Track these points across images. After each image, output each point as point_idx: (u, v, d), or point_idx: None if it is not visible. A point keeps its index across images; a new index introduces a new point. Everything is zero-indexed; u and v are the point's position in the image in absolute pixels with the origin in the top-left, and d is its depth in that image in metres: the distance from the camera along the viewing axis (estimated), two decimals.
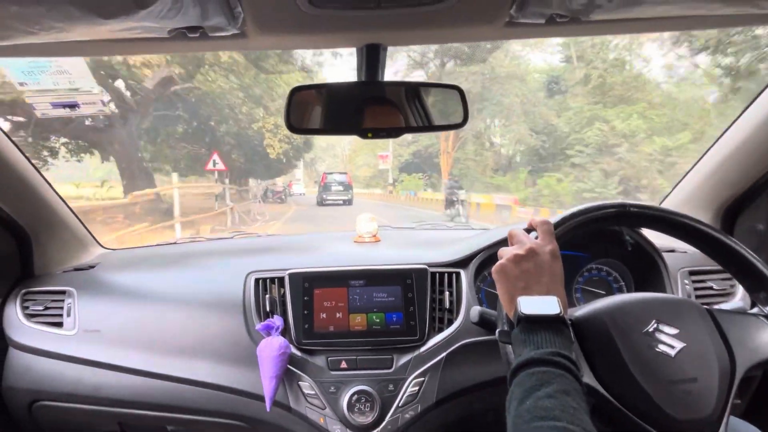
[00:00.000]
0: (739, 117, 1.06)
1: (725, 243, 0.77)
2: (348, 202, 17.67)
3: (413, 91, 0.89)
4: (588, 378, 0.64)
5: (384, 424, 1.00)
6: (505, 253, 0.69)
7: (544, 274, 0.65)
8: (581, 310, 0.72)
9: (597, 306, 0.71)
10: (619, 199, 0.80)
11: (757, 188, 1.10)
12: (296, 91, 0.84)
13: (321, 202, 17.73)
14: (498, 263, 0.69)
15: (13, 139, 1.04)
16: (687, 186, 1.23)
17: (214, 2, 0.59)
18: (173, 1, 0.55)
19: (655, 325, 0.68)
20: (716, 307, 0.84)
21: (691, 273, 1.14)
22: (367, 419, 0.99)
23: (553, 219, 0.77)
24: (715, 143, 1.13)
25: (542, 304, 0.61)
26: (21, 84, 1.00)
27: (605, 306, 0.71)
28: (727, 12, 0.66)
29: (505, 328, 0.67)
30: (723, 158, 1.11)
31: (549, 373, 0.54)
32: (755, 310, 0.76)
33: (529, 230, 0.75)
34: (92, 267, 1.26)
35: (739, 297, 1.13)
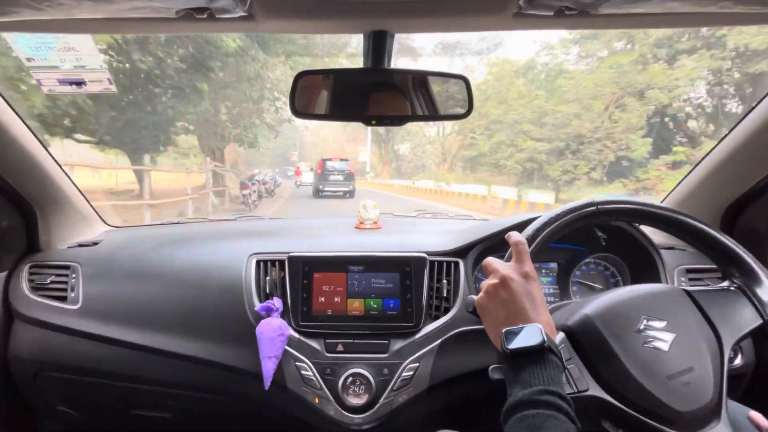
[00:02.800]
0: (744, 117, 1.05)
1: (690, 223, 0.79)
2: (349, 195, 15.37)
3: (419, 79, 0.89)
4: (593, 389, 0.65)
5: (377, 406, 1.02)
6: (483, 285, 0.68)
7: (523, 301, 0.64)
8: (573, 318, 0.72)
9: (586, 311, 0.71)
10: (587, 199, 0.80)
11: (759, 189, 1.10)
12: (302, 76, 0.84)
13: (318, 193, 15.48)
14: (477, 297, 0.69)
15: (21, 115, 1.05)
16: (689, 185, 1.23)
17: None
18: None
19: (645, 321, 0.69)
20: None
21: (688, 271, 1.15)
22: (361, 401, 1.02)
23: (526, 232, 0.76)
24: (719, 143, 1.12)
25: (525, 336, 0.60)
26: (28, 59, 0.99)
27: (594, 309, 0.71)
28: (738, 10, 0.65)
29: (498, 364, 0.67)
30: (726, 158, 1.11)
31: (538, 416, 0.53)
32: (726, 283, 0.77)
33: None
34: (96, 244, 1.27)
35: None
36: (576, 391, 0.65)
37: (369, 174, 31.30)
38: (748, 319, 0.71)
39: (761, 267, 0.75)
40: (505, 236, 0.73)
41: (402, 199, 16.33)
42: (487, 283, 0.68)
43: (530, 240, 0.75)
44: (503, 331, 0.62)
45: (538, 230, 0.77)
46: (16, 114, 1.03)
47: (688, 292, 0.74)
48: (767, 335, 0.71)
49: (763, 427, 0.71)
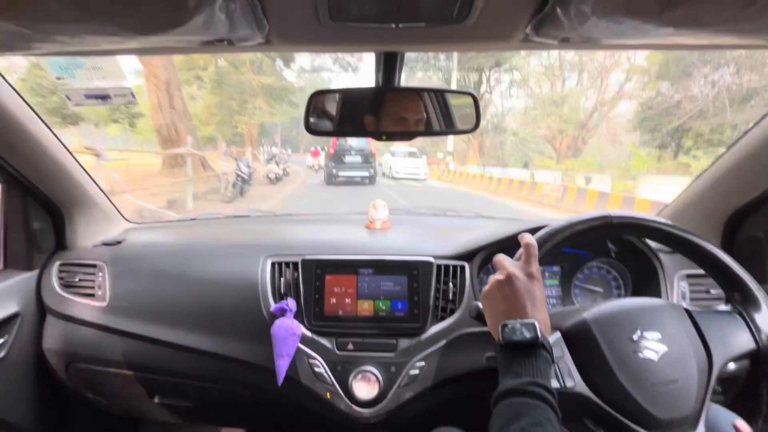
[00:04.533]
0: (750, 130, 1.06)
1: (701, 245, 0.81)
2: (369, 180, 12.89)
3: (428, 96, 0.92)
4: (580, 387, 0.70)
5: (385, 401, 1.08)
6: (490, 280, 0.73)
7: (524, 298, 0.68)
8: (571, 320, 0.76)
9: (585, 315, 0.75)
10: (602, 212, 0.83)
11: (761, 200, 1.12)
12: (316, 96, 0.88)
13: (331, 180, 12.74)
14: (483, 290, 0.74)
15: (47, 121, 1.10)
16: (692, 194, 1.25)
17: (242, 18, 0.63)
18: (205, 19, 0.59)
19: (640, 333, 0.73)
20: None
21: (689, 276, 1.18)
22: (370, 396, 1.08)
23: (538, 235, 0.80)
24: (723, 155, 1.14)
25: (521, 330, 0.65)
26: (58, 78, 1.05)
27: (593, 315, 0.75)
28: (737, 42, 0.67)
29: (493, 354, 0.72)
30: (730, 169, 1.12)
31: (525, 404, 0.58)
32: (728, 307, 0.80)
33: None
34: (119, 243, 1.34)
35: None
36: (563, 386, 0.69)
37: (449, 156, 19.91)
38: (742, 343, 0.74)
39: (764, 295, 0.77)
40: (518, 236, 0.77)
41: None
42: (494, 278, 0.72)
43: (541, 243, 0.79)
44: (501, 323, 0.67)
45: (550, 236, 0.81)
46: (42, 121, 1.09)
47: (688, 311, 0.77)
48: (759, 360, 0.74)
49: None
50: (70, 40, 0.63)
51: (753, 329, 0.75)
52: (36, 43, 0.65)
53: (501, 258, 0.75)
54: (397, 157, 17.36)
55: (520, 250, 0.75)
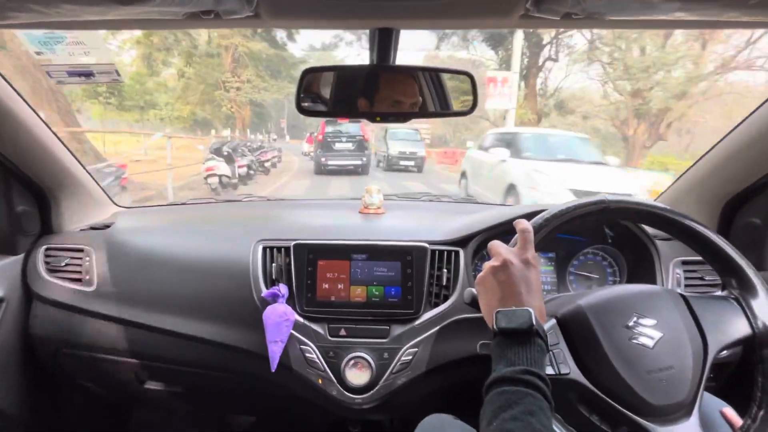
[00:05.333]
0: (750, 115, 1.05)
1: (698, 230, 0.80)
2: (362, 170, 11.74)
3: (424, 75, 0.89)
4: (574, 374, 0.69)
5: (377, 387, 1.08)
6: (485, 266, 0.71)
7: (520, 285, 0.66)
8: (566, 307, 0.75)
9: (581, 302, 0.74)
10: (599, 196, 0.81)
11: (760, 186, 1.11)
12: (308, 73, 0.85)
13: (320, 169, 11.70)
14: (478, 276, 0.72)
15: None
16: (689, 179, 1.24)
17: None
18: None
19: (635, 319, 0.72)
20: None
21: (684, 263, 1.17)
22: (362, 382, 1.07)
23: (534, 220, 0.78)
24: (722, 139, 1.12)
25: (516, 317, 0.63)
26: (38, 53, 1.00)
27: (589, 302, 0.74)
28: (743, 18, 0.65)
29: (487, 341, 0.70)
30: (728, 155, 1.11)
31: (517, 392, 0.56)
32: (725, 293, 0.79)
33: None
34: (107, 227, 1.31)
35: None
36: (557, 373, 0.69)
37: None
38: (738, 329, 0.73)
39: (761, 281, 0.76)
40: (513, 222, 0.75)
41: None
42: (489, 264, 0.71)
43: (537, 229, 0.77)
44: (496, 310, 0.65)
45: (547, 221, 0.79)
46: (26, 103, 1.05)
47: (684, 297, 0.76)
48: (754, 347, 0.73)
49: (733, 423, 0.76)
50: (47, 10, 0.59)
51: (749, 315, 0.74)
52: (10, 12, 0.61)
53: (496, 244, 0.73)
54: (538, 161, 6.25)
55: (516, 236, 0.73)
